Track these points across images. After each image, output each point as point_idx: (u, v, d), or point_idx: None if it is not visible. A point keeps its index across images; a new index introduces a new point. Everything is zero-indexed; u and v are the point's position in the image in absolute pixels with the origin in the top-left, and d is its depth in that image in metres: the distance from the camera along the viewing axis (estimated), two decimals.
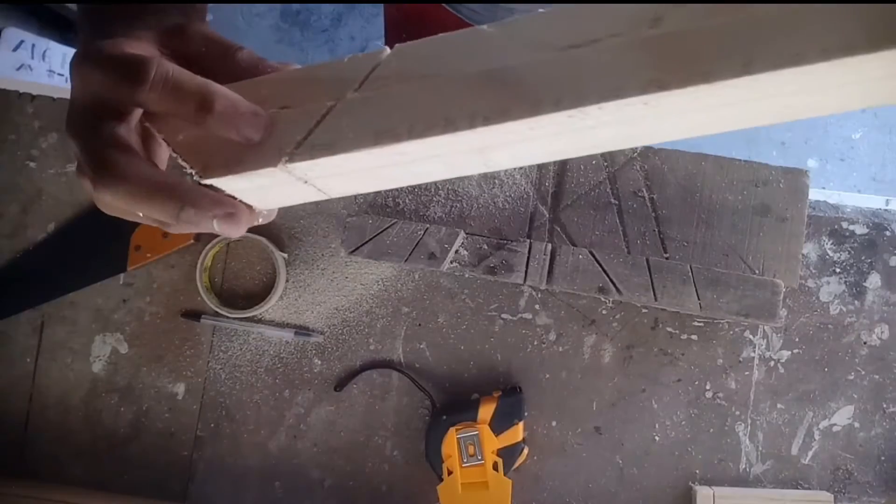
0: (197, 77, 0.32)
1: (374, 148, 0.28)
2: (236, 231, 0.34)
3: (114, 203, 0.33)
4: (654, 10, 0.25)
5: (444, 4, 0.85)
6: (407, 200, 0.72)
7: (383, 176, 0.32)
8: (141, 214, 0.33)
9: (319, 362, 0.74)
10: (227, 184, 0.33)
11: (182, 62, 0.34)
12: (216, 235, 0.73)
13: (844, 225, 0.74)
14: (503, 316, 0.74)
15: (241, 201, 0.34)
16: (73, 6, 1.59)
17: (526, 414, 0.70)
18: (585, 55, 0.26)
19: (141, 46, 0.34)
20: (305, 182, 0.33)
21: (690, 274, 0.67)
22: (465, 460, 0.67)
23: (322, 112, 0.30)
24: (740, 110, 0.27)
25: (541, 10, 0.28)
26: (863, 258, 0.74)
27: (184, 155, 0.33)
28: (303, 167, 0.30)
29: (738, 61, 0.24)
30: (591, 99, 0.25)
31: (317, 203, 0.72)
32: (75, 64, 0.33)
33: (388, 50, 0.30)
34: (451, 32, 0.29)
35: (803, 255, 0.73)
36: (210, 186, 0.33)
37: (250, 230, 0.74)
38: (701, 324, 0.73)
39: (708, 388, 0.73)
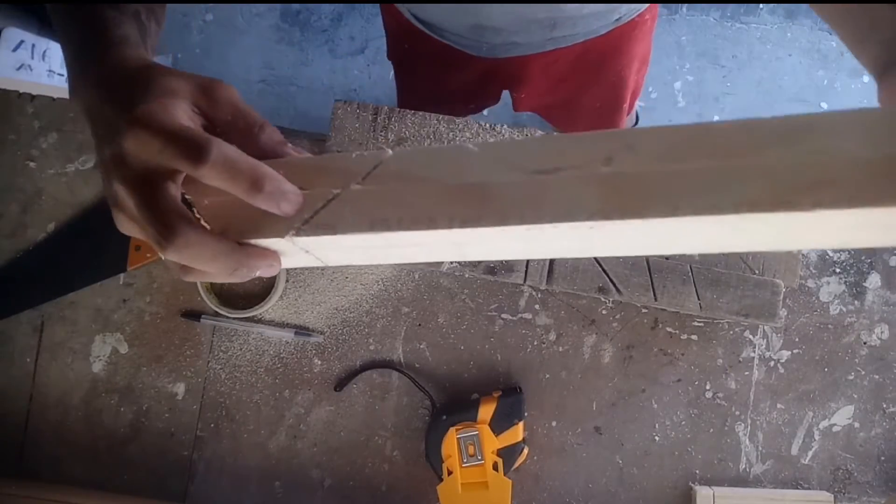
0: (249, 159, 0.34)
1: (368, 234, 0.34)
2: (270, 272, 0.39)
3: (178, 262, 0.37)
4: (607, 150, 0.30)
5: (428, 32, 0.85)
6: None
7: (373, 254, 0.38)
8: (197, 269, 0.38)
9: (319, 362, 0.74)
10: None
11: (206, 122, 0.38)
12: None
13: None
14: (503, 316, 0.74)
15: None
16: None
17: (526, 414, 0.70)
18: (548, 181, 0.31)
19: (180, 107, 0.36)
20: (307, 252, 0.38)
21: (690, 274, 0.67)
22: (465, 460, 0.67)
23: (328, 197, 0.35)
24: (676, 239, 0.32)
25: (517, 135, 0.33)
26: (863, 258, 0.74)
27: (206, 217, 0.37)
28: (306, 241, 0.35)
29: (669, 205, 0.29)
30: (546, 219, 0.31)
31: None
32: (122, 119, 0.35)
33: (389, 151, 0.35)
34: (444, 146, 0.35)
35: (803, 255, 0.73)
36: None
37: None
38: (701, 324, 0.73)
39: (708, 388, 0.73)
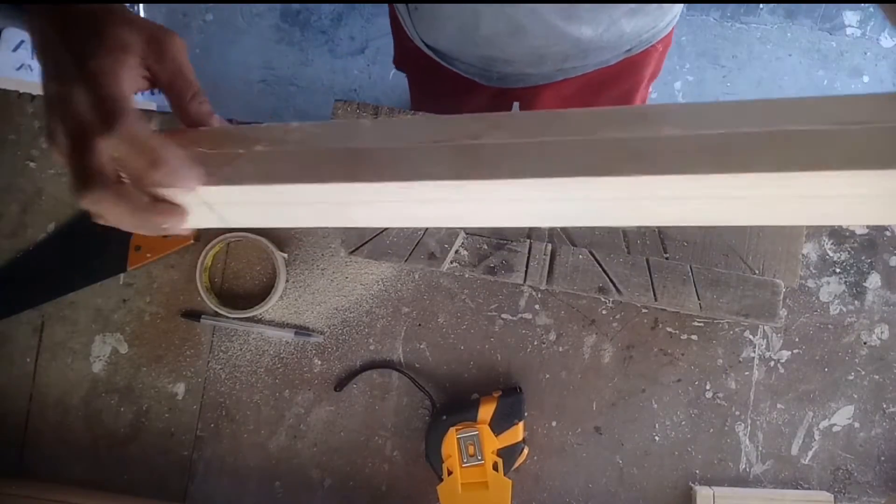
0: (153, 140, 0.37)
1: (262, 186, 0.38)
2: (177, 231, 0.42)
3: (90, 210, 0.39)
4: (480, 128, 0.36)
5: (439, 61, 0.85)
6: None
7: (268, 212, 0.42)
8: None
9: (319, 362, 0.74)
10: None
11: (152, 76, 0.41)
12: (216, 236, 0.73)
13: (844, 225, 0.74)
14: (503, 316, 0.74)
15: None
16: None
17: (526, 414, 0.70)
18: (422, 148, 0.36)
19: (127, 64, 0.39)
20: (210, 208, 0.41)
21: (690, 274, 0.67)
22: (465, 460, 0.67)
23: (234, 156, 0.39)
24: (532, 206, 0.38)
25: (411, 115, 0.35)
26: (863, 258, 0.74)
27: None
28: (208, 193, 0.39)
29: (515, 171, 0.35)
30: (416, 177, 0.36)
31: None
32: (64, 66, 0.38)
33: (296, 124, 0.40)
34: (343, 121, 0.39)
35: (803, 255, 0.73)
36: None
37: (250, 231, 0.74)
38: (701, 324, 0.73)
39: (708, 388, 0.73)
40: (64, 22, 0.39)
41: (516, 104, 1.00)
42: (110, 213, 0.39)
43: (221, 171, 0.39)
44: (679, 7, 0.83)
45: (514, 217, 0.41)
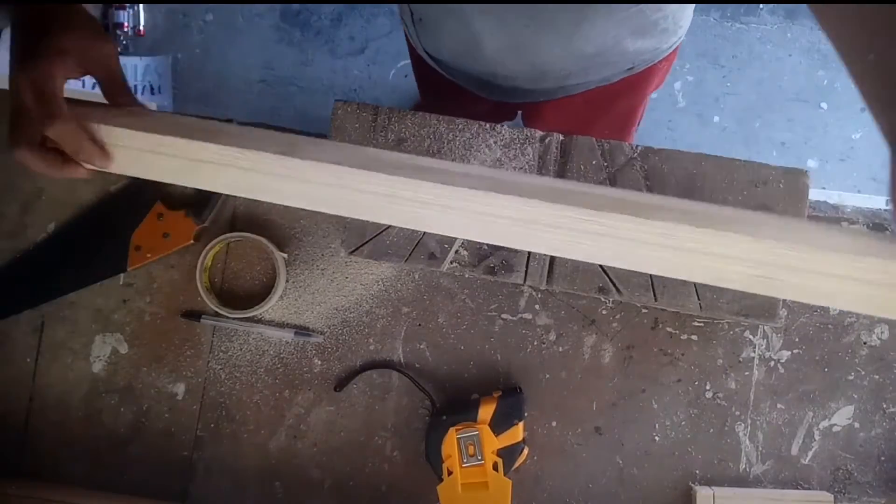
0: (77, 139, 0.48)
1: (138, 132, 0.49)
2: (100, 164, 0.50)
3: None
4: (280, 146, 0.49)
5: (443, 73, 0.85)
6: None
7: (146, 161, 0.50)
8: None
9: (319, 362, 0.74)
10: None
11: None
12: (216, 236, 0.73)
13: (844, 225, 0.74)
14: (503, 316, 0.74)
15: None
16: None
17: (526, 414, 0.70)
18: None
19: (66, 65, 0.48)
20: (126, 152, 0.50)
21: None
22: (465, 460, 0.67)
23: (146, 113, 0.52)
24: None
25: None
26: None
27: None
28: (102, 128, 0.49)
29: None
30: (244, 145, 0.48)
31: None
32: (26, 60, 0.48)
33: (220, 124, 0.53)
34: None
35: None
36: None
37: (251, 231, 0.74)
38: (701, 324, 0.73)
39: (708, 388, 0.73)
40: (24, 22, 0.50)
41: (520, 112, 1.00)
42: (33, 167, 0.49)
43: (112, 118, 0.49)
44: (685, 27, 0.82)
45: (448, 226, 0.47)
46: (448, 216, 0.46)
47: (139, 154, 0.50)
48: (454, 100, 0.92)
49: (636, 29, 0.72)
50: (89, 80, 0.72)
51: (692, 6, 0.81)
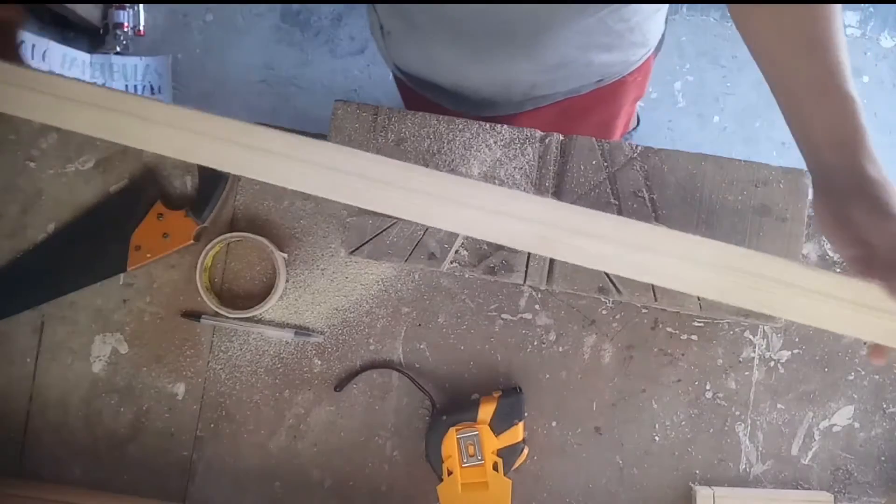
0: None
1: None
2: None
3: None
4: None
5: (414, 88, 0.84)
6: None
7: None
8: None
9: (319, 362, 0.74)
10: None
11: None
12: (216, 236, 0.73)
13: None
14: (503, 316, 0.74)
15: None
16: (73, 6, 1.59)
17: (526, 414, 0.70)
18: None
19: None
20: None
21: None
22: (465, 460, 0.67)
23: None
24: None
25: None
26: None
27: None
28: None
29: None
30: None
31: (317, 203, 0.72)
32: None
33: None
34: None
35: (803, 255, 0.73)
36: None
37: (251, 231, 0.74)
38: (701, 324, 0.73)
39: (708, 388, 0.73)
40: None
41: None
42: None
43: None
44: (654, 40, 0.82)
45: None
46: (462, 213, 0.46)
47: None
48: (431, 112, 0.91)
49: (601, 40, 0.71)
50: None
51: (662, 18, 0.80)
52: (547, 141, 0.71)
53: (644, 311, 0.73)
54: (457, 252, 0.69)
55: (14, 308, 0.75)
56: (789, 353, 0.73)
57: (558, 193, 0.72)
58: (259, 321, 0.74)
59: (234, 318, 0.73)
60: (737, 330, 0.73)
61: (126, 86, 1.68)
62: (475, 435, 0.68)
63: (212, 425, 0.74)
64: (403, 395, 0.74)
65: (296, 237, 0.75)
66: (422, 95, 0.85)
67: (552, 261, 0.68)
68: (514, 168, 0.71)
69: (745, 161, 0.70)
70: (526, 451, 0.71)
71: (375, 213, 0.72)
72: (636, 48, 0.77)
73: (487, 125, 0.71)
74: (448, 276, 0.74)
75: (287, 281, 0.74)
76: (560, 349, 0.73)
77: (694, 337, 0.73)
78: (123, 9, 1.69)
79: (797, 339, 0.73)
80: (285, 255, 0.74)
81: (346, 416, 0.74)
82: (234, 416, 0.74)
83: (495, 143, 0.71)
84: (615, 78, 0.81)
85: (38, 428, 0.75)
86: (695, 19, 1.78)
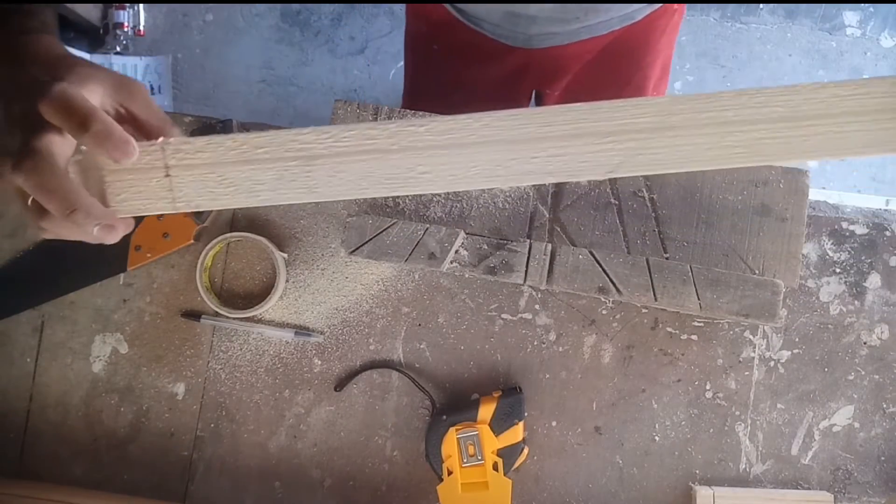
0: (88, 102, 0.40)
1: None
2: (111, 238, 0.43)
3: (25, 186, 0.40)
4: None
5: (465, 22, 0.84)
6: (407, 200, 0.72)
7: (228, 177, 0.44)
8: (33, 202, 0.41)
9: (319, 362, 0.74)
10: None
11: (120, 114, 0.44)
12: (216, 236, 0.73)
13: (844, 225, 0.74)
14: (503, 316, 0.74)
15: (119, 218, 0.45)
16: (73, 6, 1.59)
17: (526, 414, 0.70)
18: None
19: (95, 91, 0.42)
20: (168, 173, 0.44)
21: (690, 274, 0.67)
22: (465, 460, 0.67)
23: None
24: None
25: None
26: (863, 258, 0.74)
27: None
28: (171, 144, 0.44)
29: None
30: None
31: (317, 203, 0.72)
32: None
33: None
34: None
35: (803, 255, 0.73)
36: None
37: (251, 231, 0.74)
38: (701, 324, 0.73)
39: (708, 388, 0.73)
40: (36, 59, 0.44)
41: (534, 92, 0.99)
42: (44, 185, 0.40)
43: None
44: None
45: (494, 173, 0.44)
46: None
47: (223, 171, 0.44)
48: (465, 69, 0.90)
49: None
50: None
51: None
52: None
53: (644, 311, 0.73)
54: (457, 252, 0.69)
55: (14, 308, 0.75)
56: (789, 353, 0.73)
57: (558, 193, 0.72)
58: (259, 321, 0.74)
59: (234, 318, 0.73)
60: (737, 330, 0.73)
61: None
62: (475, 435, 0.68)
63: (212, 425, 0.74)
64: (403, 395, 0.74)
65: (296, 237, 0.75)
66: (471, 29, 0.84)
67: (552, 261, 0.68)
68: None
69: None
70: (526, 451, 0.71)
71: (375, 213, 0.72)
72: None
73: None
74: (448, 276, 0.74)
75: (287, 281, 0.74)
76: (560, 349, 0.73)
77: (694, 337, 0.73)
78: (123, 9, 1.69)
79: (797, 339, 0.73)
80: (285, 255, 0.74)
81: (346, 416, 0.74)
82: (234, 416, 0.74)
83: None
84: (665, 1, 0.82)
85: (38, 428, 0.75)
86: (695, 19, 1.78)
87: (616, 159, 0.42)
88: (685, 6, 0.90)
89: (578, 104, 0.42)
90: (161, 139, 0.44)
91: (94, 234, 0.42)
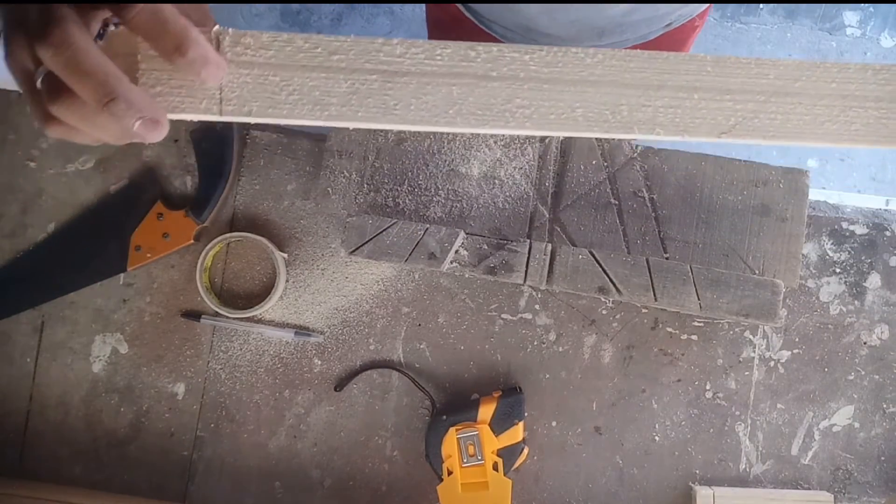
0: (182, 19, 0.34)
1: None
2: (154, 137, 0.35)
3: (51, 62, 0.33)
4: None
5: (480, 25, 0.84)
6: (407, 200, 0.72)
7: (293, 83, 0.38)
8: (60, 103, 0.34)
9: (319, 362, 0.74)
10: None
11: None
12: (216, 235, 0.73)
13: (844, 225, 0.74)
14: (503, 316, 0.74)
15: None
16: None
17: (526, 414, 0.70)
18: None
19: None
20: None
21: (690, 274, 0.67)
22: (465, 460, 0.67)
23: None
24: None
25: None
26: (863, 258, 0.74)
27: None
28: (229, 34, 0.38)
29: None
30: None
31: (317, 203, 0.72)
32: None
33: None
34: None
35: (803, 255, 0.73)
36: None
37: (251, 231, 0.74)
38: (701, 324, 0.73)
39: (708, 388, 0.73)
40: None
41: None
42: (76, 64, 0.33)
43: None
44: None
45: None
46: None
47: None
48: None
49: None
50: None
51: None
52: (547, 141, 0.71)
53: (644, 311, 0.73)
54: (457, 252, 0.69)
55: (14, 308, 0.75)
56: (789, 353, 0.73)
57: (558, 193, 0.72)
58: (259, 321, 0.74)
59: (234, 318, 0.73)
60: (737, 330, 0.73)
61: None
62: (475, 435, 0.68)
63: (212, 425, 0.74)
64: (403, 395, 0.74)
65: (296, 237, 0.75)
66: (485, 34, 0.84)
67: (552, 261, 0.68)
68: (514, 168, 0.72)
69: (745, 161, 0.71)
70: (526, 451, 0.71)
71: (375, 213, 0.72)
72: None
73: None
74: (448, 276, 0.74)
75: (287, 281, 0.74)
76: (560, 349, 0.73)
77: (694, 337, 0.73)
78: None
79: (797, 339, 0.73)
80: (285, 255, 0.74)
81: (346, 416, 0.74)
82: (234, 416, 0.74)
83: (495, 142, 0.72)
84: (683, 21, 0.81)
85: (38, 428, 0.75)
86: None
87: (731, 120, 0.39)
88: (701, 27, 0.89)
89: (702, 54, 0.39)
90: (216, 27, 0.37)
91: (135, 129, 0.34)
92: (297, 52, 0.38)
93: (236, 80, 0.38)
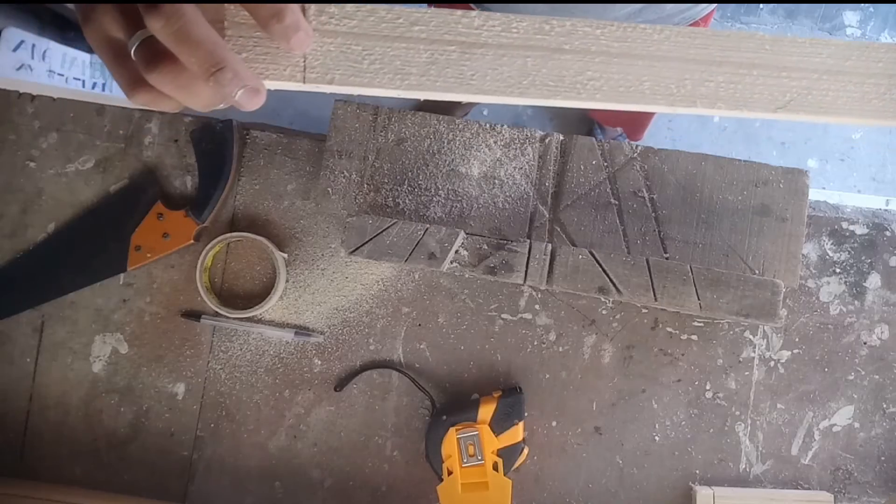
0: None
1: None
2: (254, 104, 0.37)
3: (161, 31, 0.33)
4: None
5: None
6: (407, 200, 0.72)
7: (374, 53, 0.40)
8: (167, 68, 0.34)
9: (319, 362, 0.74)
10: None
11: None
12: (216, 235, 0.73)
13: (844, 225, 0.74)
14: (503, 316, 0.74)
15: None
16: (73, 6, 1.58)
17: (526, 414, 0.70)
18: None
19: None
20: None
21: (690, 274, 0.67)
22: (465, 460, 0.67)
23: None
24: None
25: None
26: (863, 258, 0.74)
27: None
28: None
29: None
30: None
31: (317, 203, 0.72)
32: None
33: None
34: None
35: (803, 255, 0.73)
36: None
37: (251, 231, 0.74)
38: (701, 324, 0.73)
39: (708, 388, 0.73)
40: None
41: None
42: (185, 37, 0.34)
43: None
44: None
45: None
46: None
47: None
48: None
49: None
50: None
51: None
52: (547, 141, 0.71)
53: (644, 311, 0.73)
54: (457, 252, 0.69)
55: (14, 308, 0.75)
56: (789, 353, 0.73)
57: (558, 193, 0.72)
58: (259, 321, 0.74)
59: (234, 318, 0.73)
60: (737, 330, 0.73)
61: None
62: (475, 435, 0.68)
63: (212, 425, 0.74)
64: (403, 395, 0.74)
65: (296, 237, 0.75)
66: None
67: (552, 261, 0.68)
68: (515, 168, 0.72)
69: (745, 161, 0.71)
70: (526, 451, 0.71)
71: (375, 213, 0.72)
72: None
73: (487, 125, 0.71)
74: (448, 276, 0.74)
75: (287, 281, 0.74)
76: (560, 349, 0.73)
77: (694, 337, 0.73)
78: None
79: (797, 339, 0.73)
80: (285, 255, 0.74)
81: (346, 416, 0.74)
82: (234, 416, 0.74)
83: (495, 142, 0.72)
84: (687, 23, 0.81)
85: (38, 428, 0.75)
86: None
87: (787, 96, 0.41)
88: (709, 22, 0.89)
89: (760, 33, 0.41)
90: None
91: (237, 97, 0.36)
92: (380, 22, 0.39)
93: (320, 48, 0.39)
